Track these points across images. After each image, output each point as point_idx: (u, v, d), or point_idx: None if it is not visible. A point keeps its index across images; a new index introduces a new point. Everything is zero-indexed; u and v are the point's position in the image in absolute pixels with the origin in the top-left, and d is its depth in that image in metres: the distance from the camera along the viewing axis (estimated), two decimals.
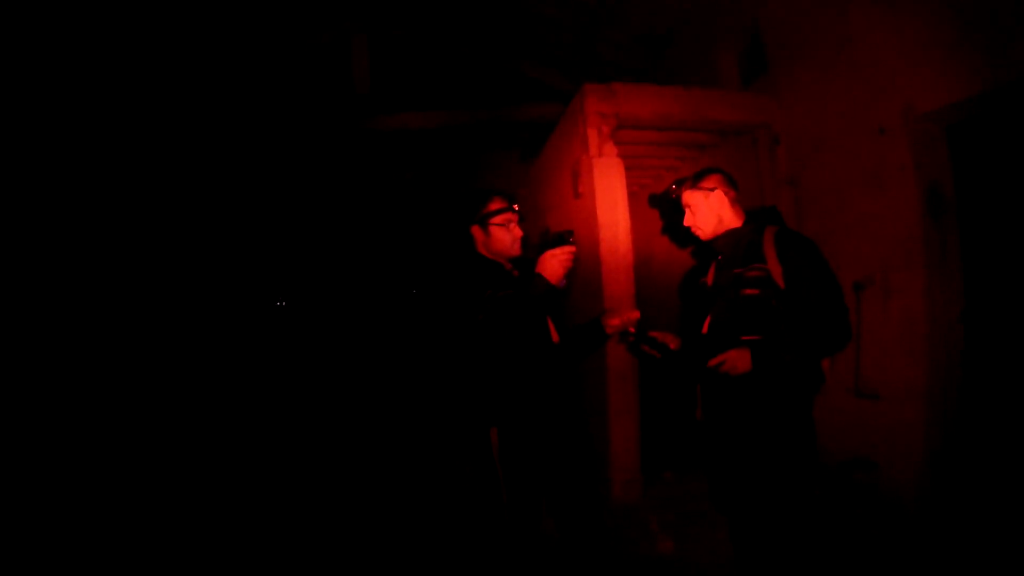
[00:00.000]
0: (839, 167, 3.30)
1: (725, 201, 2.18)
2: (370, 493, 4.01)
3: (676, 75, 4.81)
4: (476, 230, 2.21)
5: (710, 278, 2.27)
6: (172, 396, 6.33)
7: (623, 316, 2.23)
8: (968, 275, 2.86)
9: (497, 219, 2.17)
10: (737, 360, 1.90)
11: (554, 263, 1.97)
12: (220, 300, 8.72)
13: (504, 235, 2.18)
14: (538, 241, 2.04)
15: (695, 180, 2.23)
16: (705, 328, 2.22)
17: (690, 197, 2.24)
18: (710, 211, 2.19)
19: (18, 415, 4.57)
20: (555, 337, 2.21)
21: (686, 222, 2.28)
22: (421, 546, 3.18)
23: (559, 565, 2.31)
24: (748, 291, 2.04)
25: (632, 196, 4.02)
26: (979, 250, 2.89)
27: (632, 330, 2.20)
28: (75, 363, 5.30)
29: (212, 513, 3.73)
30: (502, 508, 2.12)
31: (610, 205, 3.43)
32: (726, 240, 2.20)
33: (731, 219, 2.20)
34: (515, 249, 2.20)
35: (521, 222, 2.24)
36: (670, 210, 4.77)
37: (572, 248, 2.00)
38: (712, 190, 2.18)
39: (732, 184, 2.22)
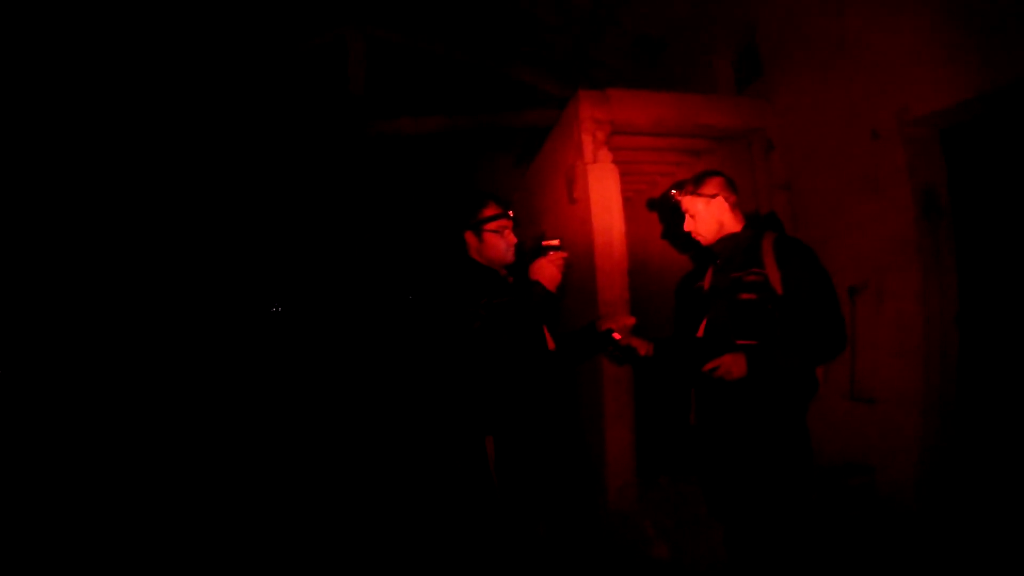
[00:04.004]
0: (834, 171, 3.31)
1: (726, 207, 2.18)
2: (366, 501, 3.99)
3: (671, 80, 4.83)
4: (470, 236, 2.18)
5: (707, 282, 2.27)
6: (169, 400, 6.30)
7: (618, 322, 2.22)
8: (963, 278, 2.86)
9: (491, 225, 2.15)
10: (732, 365, 1.89)
11: (552, 268, 1.96)
12: (215, 305, 8.69)
13: (498, 242, 2.15)
14: (530, 247, 2.05)
15: (696, 185, 2.21)
16: (700, 332, 2.21)
17: (691, 203, 2.22)
18: (711, 217, 2.18)
19: (19, 416, 4.55)
20: (551, 344, 2.19)
21: (686, 227, 2.27)
22: (417, 554, 3.17)
23: (555, 571, 2.30)
24: (745, 295, 2.03)
25: (627, 202, 4.01)
26: (974, 253, 2.89)
27: (602, 329, 2.21)
28: (75, 366, 5.27)
29: (209, 516, 3.71)
30: (498, 516, 2.10)
31: (605, 211, 3.42)
32: (724, 244, 2.19)
33: (731, 224, 2.19)
34: (509, 256, 2.18)
35: (516, 228, 2.22)
36: (668, 215, 4.78)
37: (565, 253, 2.00)
38: (714, 196, 2.17)
39: (732, 188, 2.21)
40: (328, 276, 12.50)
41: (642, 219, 5.36)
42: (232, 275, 9.26)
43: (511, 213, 2.20)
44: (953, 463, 2.84)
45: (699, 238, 2.25)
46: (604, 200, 3.43)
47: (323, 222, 9.97)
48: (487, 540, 2.19)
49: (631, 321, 2.20)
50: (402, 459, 4.89)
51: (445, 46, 5.94)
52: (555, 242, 2.04)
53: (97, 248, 5.77)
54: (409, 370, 8.07)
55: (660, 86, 3.83)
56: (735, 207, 2.20)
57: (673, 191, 2.30)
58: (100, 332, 5.73)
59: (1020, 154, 2.72)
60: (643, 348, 2.20)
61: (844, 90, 3.18)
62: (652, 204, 4.92)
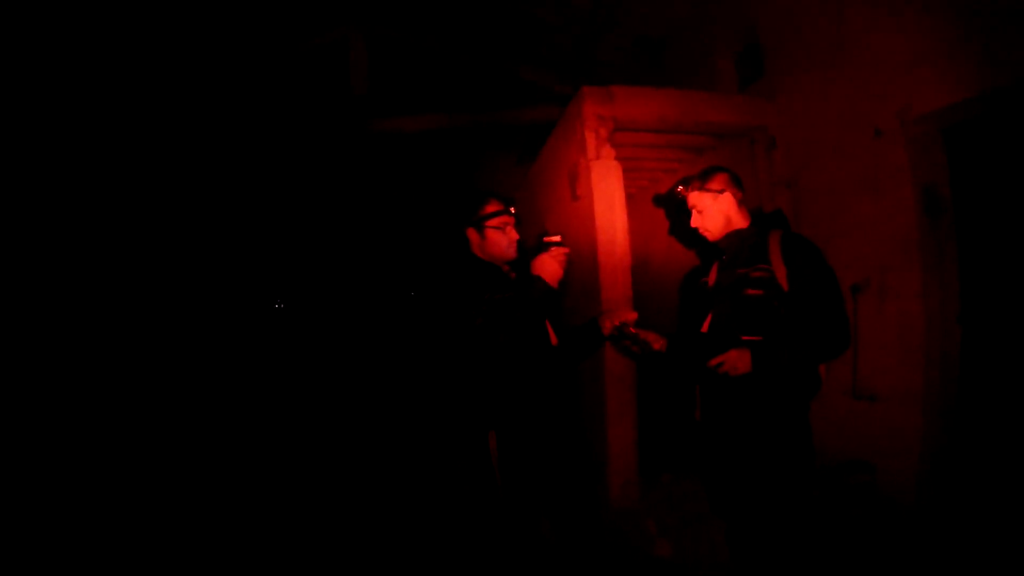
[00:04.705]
0: (836, 169, 3.31)
1: (733, 202, 2.18)
2: (368, 497, 4.00)
3: (673, 78, 4.82)
4: (471, 232, 2.20)
5: (711, 278, 2.27)
6: (171, 397, 6.32)
7: (620, 317, 2.23)
8: (966, 277, 2.86)
9: (493, 222, 2.17)
10: (737, 361, 1.89)
11: (553, 264, 1.98)
12: (219, 302, 8.71)
13: (500, 238, 2.18)
14: (532, 243, 2.08)
15: (703, 180, 2.21)
16: (705, 327, 2.22)
17: (698, 199, 2.22)
18: (719, 212, 2.18)
19: (19, 415, 4.56)
20: (553, 340, 2.21)
21: (693, 223, 2.27)
22: (420, 550, 3.17)
23: (557, 568, 2.31)
24: (751, 291, 2.03)
25: (630, 198, 4.02)
26: (977, 252, 2.89)
27: (616, 323, 2.20)
28: (75, 364, 5.28)
29: (211, 514, 3.72)
30: (500, 512, 2.11)
31: (608, 207, 3.42)
32: (730, 240, 2.19)
33: (738, 220, 2.19)
34: (511, 252, 2.20)
35: (517, 225, 2.24)
36: (672, 212, 4.77)
37: (566, 249, 2.01)
38: (721, 192, 2.17)
39: (739, 185, 2.22)
40: (330, 273, 12.52)
41: (644, 216, 5.36)
42: (235, 272, 9.28)
43: (512, 209, 2.22)
44: (954, 462, 2.84)
45: (706, 234, 2.25)
46: (607, 197, 3.43)
47: (326, 219, 9.98)
48: (490, 537, 2.19)
49: (633, 316, 2.21)
50: (405, 454, 4.90)
51: (447, 45, 5.94)
52: (556, 238, 2.05)
53: (100, 245, 5.79)
54: (412, 366, 8.08)
55: (662, 85, 3.81)
56: (741, 203, 2.21)
57: (680, 187, 2.31)
58: (101, 329, 5.74)
59: (1022, 153, 2.71)
60: (657, 342, 2.20)
61: (846, 89, 3.18)
62: (656, 200, 4.92)
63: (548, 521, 2.29)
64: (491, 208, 2.18)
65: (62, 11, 4.27)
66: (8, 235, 4.81)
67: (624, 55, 5.37)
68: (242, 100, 5.83)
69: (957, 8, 2.51)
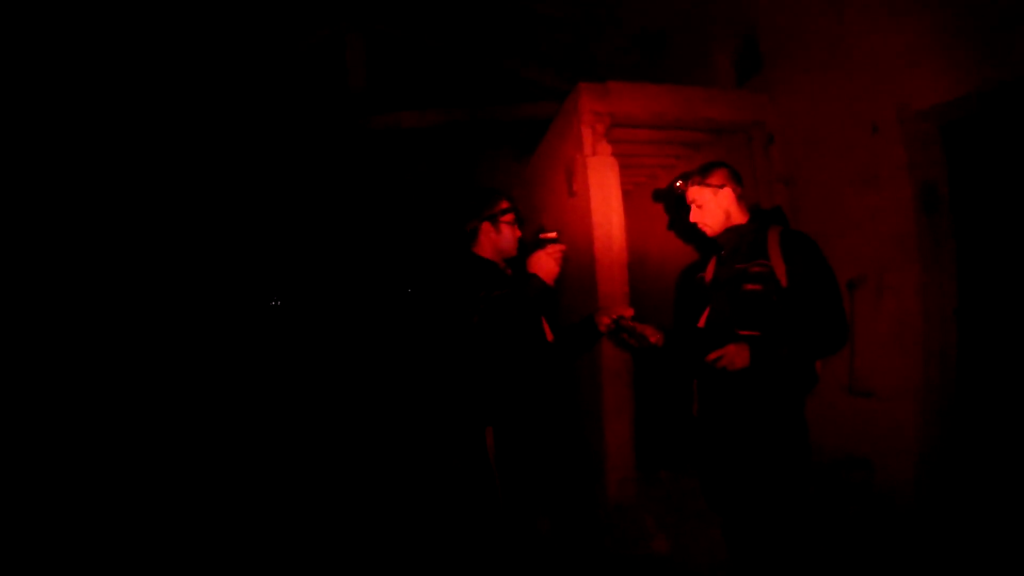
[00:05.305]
0: (834, 165, 3.30)
1: (732, 197, 2.18)
2: (366, 494, 3.99)
3: (671, 74, 4.81)
4: (487, 227, 2.23)
5: (709, 273, 2.28)
6: (167, 395, 6.30)
7: (617, 313, 2.23)
8: (963, 273, 2.86)
9: (507, 217, 2.22)
10: (735, 355, 1.90)
11: (550, 261, 1.99)
12: (215, 299, 8.69)
13: (511, 234, 2.23)
14: (529, 240, 2.13)
15: (703, 175, 2.22)
16: (702, 322, 2.22)
17: (698, 193, 2.23)
18: (719, 207, 2.19)
19: (15, 414, 4.54)
20: (549, 336, 2.21)
21: (693, 218, 2.28)
22: (417, 546, 3.17)
23: (555, 564, 2.31)
24: (750, 286, 2.04)
25: (626, 195, 4.01)
26: (974, 248, 2.89)
27: (614, 317, 2.21)
28: (70, 362, 5.26)
29: (209, 513, 3.71)
30: (498, 508, 2.11)
31: (604, 204, 3.42)
32: (729, 236, 2.20)
33: (738, 215, 2.20)
34: (515, 249, 2.25)
35: (521, 225, 2.27)
36: (670, 208, 4.77)
37: (562, 246, 2.02)
38: (721, 187, 2.18)
39: (738, 180, 2.22)
40: (328, 270, 12.49)
41: (641, 212, 5.35)
42: (232, 269, 9.25)
43: (520, 208, 2.26)
44: (952, 458, 2.84)
45: (705, 229, 2.25)
46: (603, 193, 3.43)
47: (322, 216, 9.95)
48: (488, 534, 2.19)
49: (630, 312, 2.22)
50: (402, 450, 4.90)
51: (445, 41, 5.92)
52: (553, 235, 2.06)
53: (96, 243, 5.77)
54: (409, 363, 8.07)
55: (660, 80, 3.81)
56: (741, 199, 2.21)
57: (679, 182, 2.31)
58: (97, 326, 5.72)
59: (1020, 150, 2.71)
60: (654, 336, 2.20)
61: (844, 85, 3.17)
62: (655, 196, 4.91)
63: (546, 518, 2.29)
64: (505, 205, 2.23)
65: (61, 10, 4.25)
66: (7, 233, 4.79)
67: (623, 52, 5.36)
68: (240, 97, 5.81)
69: (955, 6, 2.50)
